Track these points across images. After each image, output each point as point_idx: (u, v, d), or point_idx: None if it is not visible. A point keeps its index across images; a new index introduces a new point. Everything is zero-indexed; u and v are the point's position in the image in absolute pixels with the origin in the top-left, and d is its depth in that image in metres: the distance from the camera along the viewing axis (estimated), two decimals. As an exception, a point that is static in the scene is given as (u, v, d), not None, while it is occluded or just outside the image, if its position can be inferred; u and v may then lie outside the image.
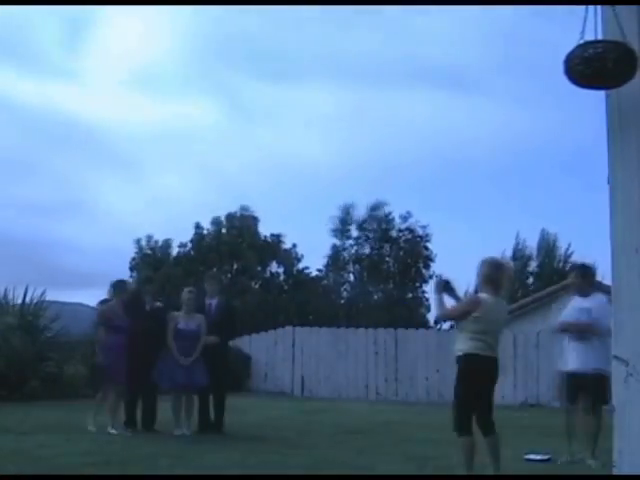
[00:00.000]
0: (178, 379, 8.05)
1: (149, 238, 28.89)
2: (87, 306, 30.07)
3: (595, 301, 6.70)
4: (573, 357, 6.66)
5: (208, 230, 28.90)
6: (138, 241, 28.84)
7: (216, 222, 28.88)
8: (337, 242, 30.59)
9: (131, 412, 8.42)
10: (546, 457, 6.78)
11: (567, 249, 30.49)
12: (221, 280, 9.63)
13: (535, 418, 11.97)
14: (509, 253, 30.88)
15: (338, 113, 40.61)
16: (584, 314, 6.66)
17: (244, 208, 28.92)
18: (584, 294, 6.83)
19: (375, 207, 30.39)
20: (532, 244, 30.99)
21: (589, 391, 6.46)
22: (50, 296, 14.22)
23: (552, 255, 30.59)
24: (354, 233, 30.79)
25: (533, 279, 30.58)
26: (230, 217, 28.90)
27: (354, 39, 39.34)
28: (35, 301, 13.54)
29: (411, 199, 45.68)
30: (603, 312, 6.25)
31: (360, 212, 30.55)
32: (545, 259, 30.50)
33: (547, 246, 30.73)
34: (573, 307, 6.86)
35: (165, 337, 8.18)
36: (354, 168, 39.41)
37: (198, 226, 28.85)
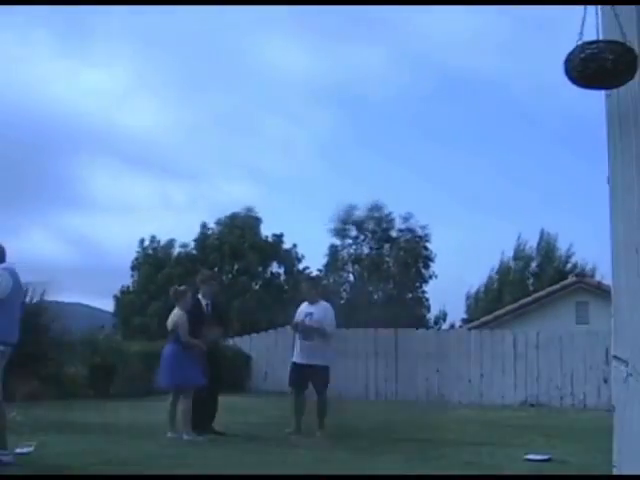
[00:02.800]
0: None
1: (152, 238, 28.91)
2: (87, 306, 30.15)
3: (319, 308, 8.41)
4: (300, 351, 8.39)
5: (212, 230, 28.95)
6: (142, 241, 28.87)
7: (220, 222, 28.93)
8: (336, 242, 30.64)
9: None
10: (546, 457, 6.78)
11: (567, 250, 30.51)
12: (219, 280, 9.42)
13: (535, 418, 11.97)
14: (510, 254, 30.95)
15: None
16: (308, 318, 8.35)
17: (248, 209, 28.98)
18: (311, 301, 8.49)
19: (374, 208, 30.44)
20: (533, 245, 31.05)
21: (314, 379, 8.30)
22: (50, 296, 14.22)
23: (552, 256, 30.59)
24: (353, 233, 30.85)
25: (533, 279, 30.59)
26: (233, 217, 28.93)
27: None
28: (35, 301, 13.52)
29: (411, 199, 45.75)
30: (324, 317, 8.31)
31: (359, 212, 30.62)
32: (545, 260, 30.50)
33: (547, 247, 30.74)
34: (301, 311, 8.50)
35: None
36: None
37: (204, 226, 28.90)
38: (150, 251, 28.78)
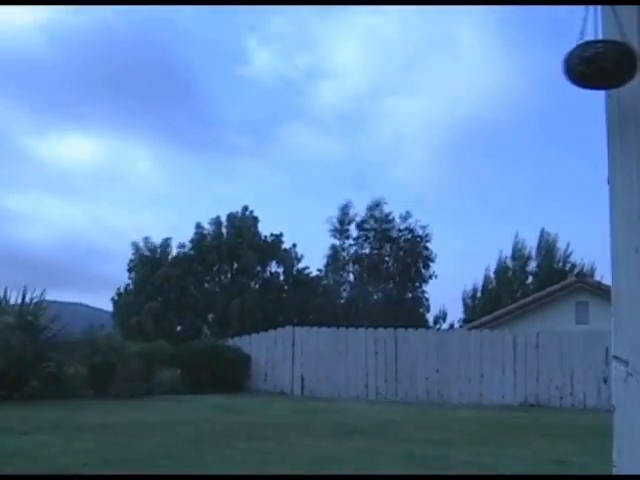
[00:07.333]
0: None
1: (146, 240, 28.86)
2: (87, 306, 30.17)
3: None
4: None
5: (208, 230, 28.91)
6: (135, 243, 28.82)
7: (216, 222, 28.91)
8: (336, 242, 30.61)
9: None
10: None
11: (566, 249, 30.51)
12: None
13: (535, 418, 11.97)
14: (508, 253, 30.95)
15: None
16: None
17: (245, 208, 28.98)
18: None
19: (373, 206, 30.41)
20: (532, 244, 31.04)
21: None
22: (50, 296, 14.24)
23: (551, 255, 30.58)
24: (354, 233, 30.82)
25: (532, 279, 30.58)
26: (230, 217, 28.91)
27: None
28: (35, 301, 13.54)
29: (410, 198, 45.77)
30: None
31: (359, 211, 30.58)
32: (545, 259, 30.49)
33: (547, 246, 30.72)
34: None
35: None
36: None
37: (199, 226, 28.87)
38: (147, 252, 28.73)
